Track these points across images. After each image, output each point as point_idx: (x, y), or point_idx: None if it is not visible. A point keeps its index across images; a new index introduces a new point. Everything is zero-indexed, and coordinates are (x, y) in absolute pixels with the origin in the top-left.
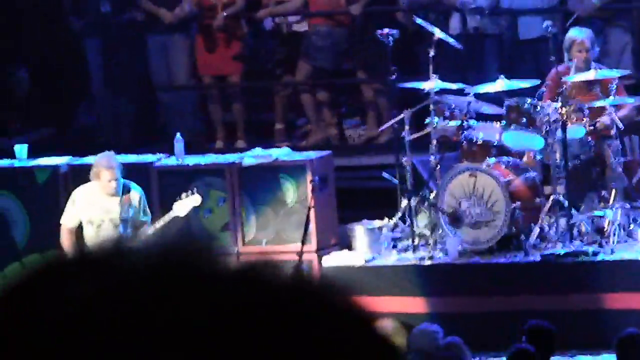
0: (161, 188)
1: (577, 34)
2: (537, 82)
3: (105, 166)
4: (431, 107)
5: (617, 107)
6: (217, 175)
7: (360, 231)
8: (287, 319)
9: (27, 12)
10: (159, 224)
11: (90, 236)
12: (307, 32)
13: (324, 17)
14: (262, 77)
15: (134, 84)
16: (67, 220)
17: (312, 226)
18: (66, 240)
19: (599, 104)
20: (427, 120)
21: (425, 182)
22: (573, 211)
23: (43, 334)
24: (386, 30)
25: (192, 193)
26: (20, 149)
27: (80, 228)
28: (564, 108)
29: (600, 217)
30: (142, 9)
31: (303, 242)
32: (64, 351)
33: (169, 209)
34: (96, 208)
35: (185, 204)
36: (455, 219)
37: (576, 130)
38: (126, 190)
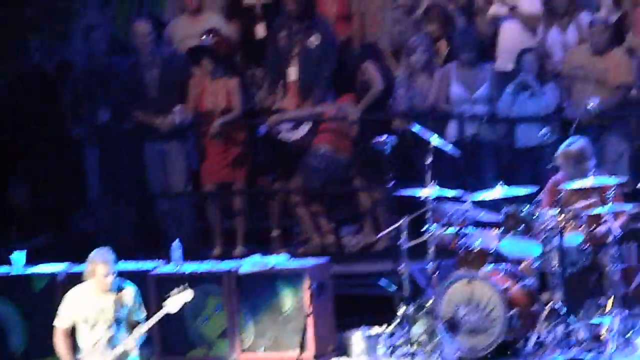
0: (159, 295)
1: (565, 146)
2: (535, 189)
3: (100, 260)
4: (429, 214)
5: (615, 214)
6: (214, 282)
7: (358, 338)
8: None
9: (27, 123)
10: (152, 321)
11: (85, 337)
12: (307, 147)
13: (328, 136)
14: (258, 183)
15: (132, 191)
16: (61, 322)
17: (310, 333)
18: (60, 343)
19: (596, 211)
20: (425, 228)
21: (423, 290)
22: (571, 318)
23: None
24: (383, 138)
25: (184, 289)
26: (18, 257)
27: (74, 329)
28: (561, 215)
29: (598, 324)
30: (138, 119)
31: (301, 349)
32: None
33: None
34: (90, 308)
35: (177, 300)
36: (453, 326)
37: (574, 238)
38: (120, 288)
